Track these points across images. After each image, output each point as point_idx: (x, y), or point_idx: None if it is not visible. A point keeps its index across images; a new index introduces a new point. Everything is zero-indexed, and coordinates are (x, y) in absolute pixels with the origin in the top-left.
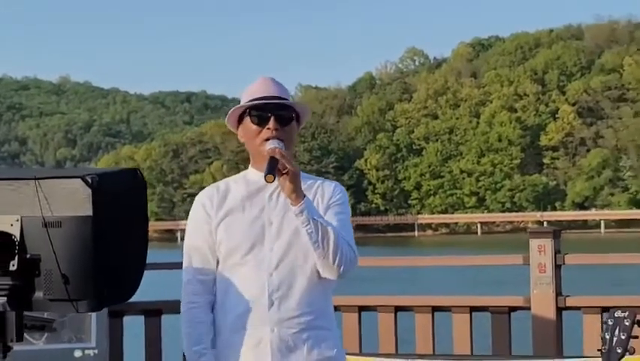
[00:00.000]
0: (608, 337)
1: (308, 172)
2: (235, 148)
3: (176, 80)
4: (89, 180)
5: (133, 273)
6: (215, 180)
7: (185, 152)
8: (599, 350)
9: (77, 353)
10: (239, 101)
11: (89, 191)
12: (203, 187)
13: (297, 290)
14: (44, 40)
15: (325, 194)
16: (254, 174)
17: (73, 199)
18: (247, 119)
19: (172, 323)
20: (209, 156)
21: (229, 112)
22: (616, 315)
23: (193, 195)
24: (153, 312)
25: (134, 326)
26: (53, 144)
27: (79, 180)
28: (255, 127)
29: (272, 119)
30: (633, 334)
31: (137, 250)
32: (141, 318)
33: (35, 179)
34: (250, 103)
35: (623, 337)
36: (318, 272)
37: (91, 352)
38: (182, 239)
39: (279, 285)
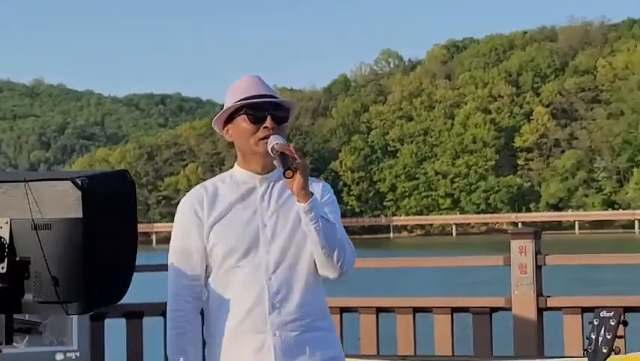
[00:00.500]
0: (593, 337)
1: None
2: (210, 150)
3: (151, 83)
4: (79, 183)
5: (123, 274)
6: (189, 182)
7: (160, 154)
8: (585, 349)
9: (59, 356)
10: (213, 104)
11: (79, 193)
12: (178, 190)
13: (296, 293)
14: (17, 43)
15: (316, 194)
16: (242, 174)
17: (63, 201)
18: (240, 118)
19: (153, 325)
20: (183, 158)
21: (220, 111)
22: (601, 315)
23: (168, 198)
24: (134, 315)
25: (115, 329)
26: (27, 147)
27: (69, 182)
28: (250, 126)
29: (269, 118)
30: (618, 334)
31: (126, 251)
32: (122, 321)
33: (25, 181)
34: (246, 102)
35: (608, 336)
36: (314, 274)
37: (72, 355)
38: (158, 242)
39: (279, 288)
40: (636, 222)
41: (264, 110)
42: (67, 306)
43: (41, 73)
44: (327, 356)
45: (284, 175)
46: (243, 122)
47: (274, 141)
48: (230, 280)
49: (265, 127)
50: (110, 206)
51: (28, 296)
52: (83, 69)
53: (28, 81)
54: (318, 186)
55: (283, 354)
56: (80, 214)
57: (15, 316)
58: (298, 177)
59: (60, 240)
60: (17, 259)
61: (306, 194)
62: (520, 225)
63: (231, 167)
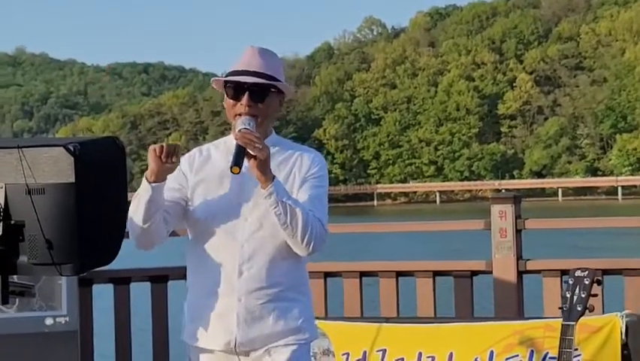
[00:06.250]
0: (568, 295)
1: None
2: (193, 119)
3: (133, 51)
4: (72, 148)
5: (114, 237)
6: None
7: (144, 123)
8: (560, 308)
9: (48, 321)
10: (196, 72)
11: (72, 159)
12: None
13: (267, 262)
14: None
15: (303, 166)
16: (233, 142)
17: (56, 167)
18: (226, 90)
19: (141, 290)
20: (167, 127)
21: (212, 79)
22: (576, 274)
23: None
24: (122, 280)
25: (103, 295)
26: (10, 117)
27: (61, 148)
28: (230, 100)
29: (246, 94)
30: (593, 292)
31: (117, 215)
32: (110, 286)
33: (19, 148)
34: (229, 78)
35: (583, 295)
36: (290, 245)
37: (62, 320)
38: None
39: (250, 255)
40: (619, 189)
41: (243, 86)
42: (61, 267)
43: (23, 42)
44: (290, 327)
45: (230, 170)
46: (227, 94)
47: (241, 126)
48: (209, 243)
49: (241, 103)
50: (101, 171)
51: (22, 258)
52: (65, 38)
53: (10, 50)
54: (308, 158)
55: (245, 320)
56: (72, 179)
57: (9, 279)
58: (255, 169)
59: (53, 204)
60: (12, 222)
61: (266, 180)
62: (503, 192)
63: (215, 135)
